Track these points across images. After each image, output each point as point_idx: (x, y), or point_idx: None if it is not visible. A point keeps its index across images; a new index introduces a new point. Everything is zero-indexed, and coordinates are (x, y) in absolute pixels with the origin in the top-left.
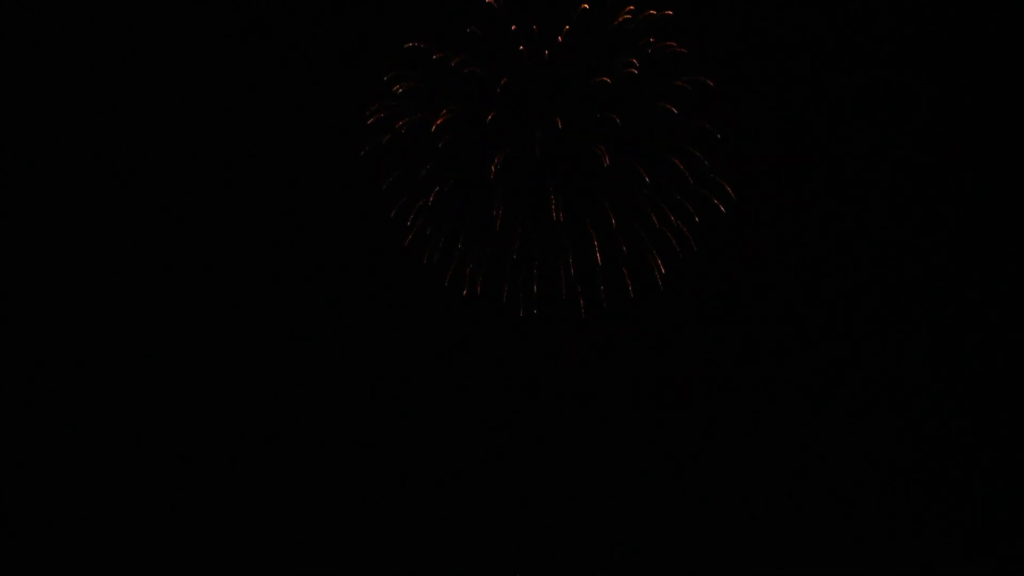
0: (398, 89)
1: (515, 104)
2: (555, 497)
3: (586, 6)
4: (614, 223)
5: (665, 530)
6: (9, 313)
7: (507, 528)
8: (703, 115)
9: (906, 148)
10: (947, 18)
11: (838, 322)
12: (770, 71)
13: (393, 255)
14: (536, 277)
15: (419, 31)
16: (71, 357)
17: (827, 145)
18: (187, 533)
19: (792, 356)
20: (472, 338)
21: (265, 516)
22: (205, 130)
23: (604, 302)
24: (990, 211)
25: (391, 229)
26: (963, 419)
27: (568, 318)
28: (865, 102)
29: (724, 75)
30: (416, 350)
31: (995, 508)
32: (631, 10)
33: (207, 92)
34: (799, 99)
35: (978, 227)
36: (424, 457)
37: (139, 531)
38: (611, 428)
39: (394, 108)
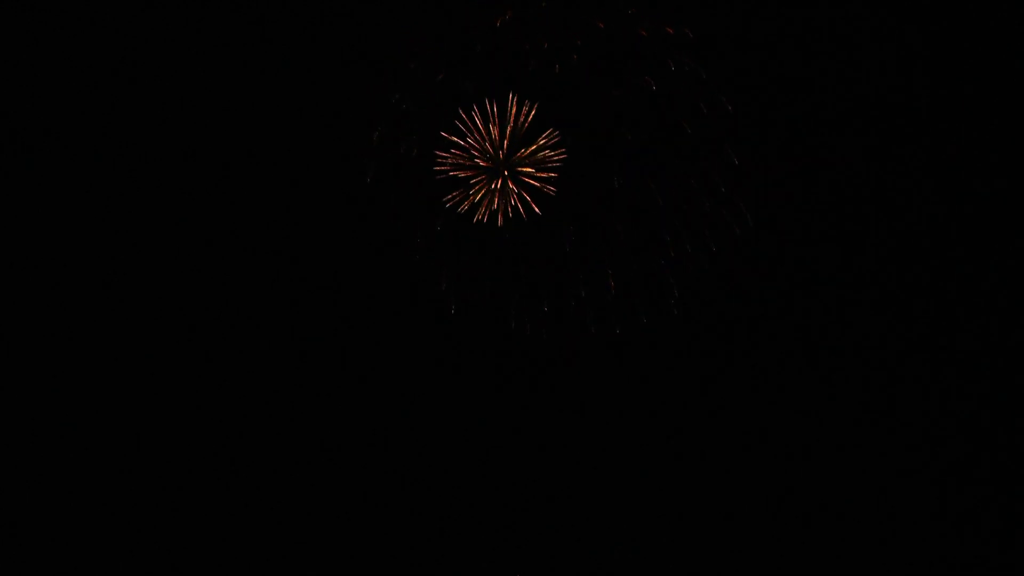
0: (404, 107)
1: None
2: (555, 497)
3: (601, 24)
4: (625, 245)
5: (665, 530)
6: (9, 313)
7: (507, 528)
8: (721, 137)
9: (933, 175)
10: (979, 40)
11: (858, 350)
12: (789, 93)
13: (398, 272)
14: (545, 299)
15: (424, 49)
16: (71, 357)
17: (847, 169)
18: (187, 533)
19: (799, 372)
20: (474, 345)
21: (265, 516)
22: (207, 144)
23: (616, 326)
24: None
25: (396, 247)
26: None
27: (578, 339)
28: (890, 129)
29: (743, 97)
30: (418, 355)
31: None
32: (648, 28)
33: (208, 108)
34: (818, 121)
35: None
36: (424, 457)
37: (139, 531)
38: (611, 429)
39: (399, 129)
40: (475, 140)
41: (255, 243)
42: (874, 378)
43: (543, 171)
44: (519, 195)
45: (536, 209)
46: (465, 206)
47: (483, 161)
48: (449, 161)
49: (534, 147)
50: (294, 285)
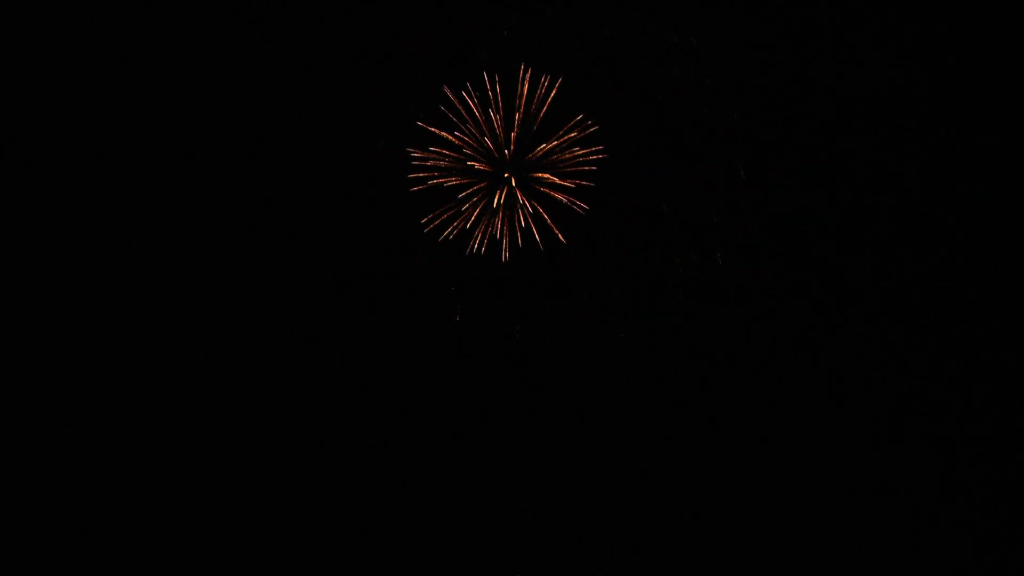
0: (410, 114)
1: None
2: (555, 497)
3: (606, 32)
4: (629, 254)
5: (665, 530)
6: (9, 313)
7: (507, 528)
8: (725, 143)
9: (943, 179)
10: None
11: (862, 354)
12: (795, 99)
13: (399, 273)
14: (546, 305)
15: (424, 55)
16: (71, 357)
17: (854, 175)
18: (187, 533)
19: (800, 375)
20: (474, 345)
21: (265, 516)
22: (207, 144)
23: (618, 329)
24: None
25: (398, 250)
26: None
27: (579, 342)
28: (901, 142)
29: (750, 106)
30: (418, 355)
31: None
32: (651, 33)
33: (208, 108)
34: (823, 126)
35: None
36: (424, 457)
37: (139, 531)
38: (611, 429)
39: (402, 137)
40: (468, 133)
41: (255, 244)
42: (876, 379)
43: (568, 178)
44: (534, 213)
45: (560, 236)
46: (454, 227)
47: (480, 163)
48: (430, 164)
49: (556, 142)
50: (294, 286)
